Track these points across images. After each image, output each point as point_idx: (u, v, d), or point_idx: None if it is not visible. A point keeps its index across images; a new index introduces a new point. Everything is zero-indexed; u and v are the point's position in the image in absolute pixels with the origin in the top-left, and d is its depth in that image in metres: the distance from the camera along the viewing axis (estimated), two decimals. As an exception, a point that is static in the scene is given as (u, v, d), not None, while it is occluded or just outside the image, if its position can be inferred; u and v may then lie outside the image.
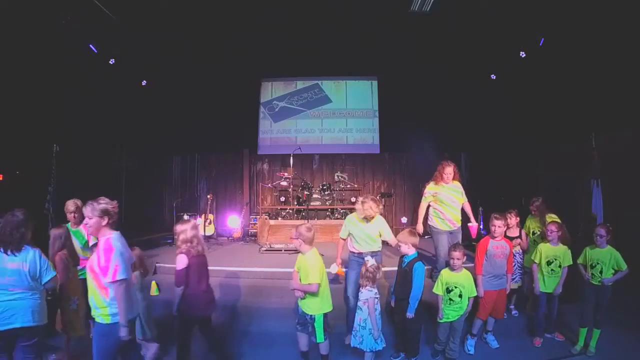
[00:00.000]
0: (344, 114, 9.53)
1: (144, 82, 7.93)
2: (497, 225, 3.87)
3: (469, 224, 4.85)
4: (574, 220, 5.39)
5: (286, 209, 8.47)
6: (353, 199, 8.93)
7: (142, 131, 7.97)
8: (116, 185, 7.86)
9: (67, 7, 5.46)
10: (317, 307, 3.27)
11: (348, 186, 9.02)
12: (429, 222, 4.92)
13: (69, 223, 4.03)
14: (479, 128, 8.28)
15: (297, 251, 6.26)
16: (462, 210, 4.90)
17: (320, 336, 3.30)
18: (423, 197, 4.96)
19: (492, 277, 3.84)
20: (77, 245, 3.88)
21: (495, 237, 3.90)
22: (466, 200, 4.91)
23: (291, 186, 8.31)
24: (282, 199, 8.82)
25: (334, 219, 8.36)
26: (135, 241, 6.41)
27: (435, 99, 8.46)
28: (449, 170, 4.83)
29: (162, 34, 6.80)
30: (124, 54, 6.90)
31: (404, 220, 8.53)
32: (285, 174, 8.28)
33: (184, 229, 3.42)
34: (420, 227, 4.80)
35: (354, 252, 3.96)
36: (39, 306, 2.75)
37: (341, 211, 8.53)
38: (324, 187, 8.58)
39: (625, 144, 5.26)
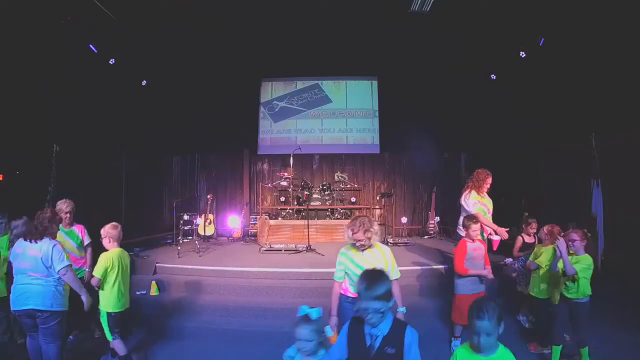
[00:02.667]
0: (344, 114, 9.53)
1: (144, 82, 7.93)
2: (474, 228, 3.76)
3: (492, 237, 4.46)
4: (574, 220, 5.40)
5: (286, 209, 8.47)
6: (353, 199, 8.94)
7: (142, 131, 7.97)
8: (116, 185, 7.86)
9: (67, 7, 5.47)
10: (103, 302, 3.32)
11: (348, 186, 9.02)
12: (460, 233, 4.33)
13: (61, 223, 4.00)
14: (479, 128, 8.28)
15: (297, 251, 6.34)
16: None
17: (107, 333, 3.33)
18: (474, 208, 4.34)
19: (471, 280, 3.71)
20: (72, 245, 3.96)
21: (473, 240, 3.80)
22: None
23: (291, 186, 8.31)
24: (282, 199, 8.83)
25: (334, 219, 8.37)
26: (135, 241, 6.45)
27: (435, 99, 8.46)
28: (490, 180, 4.48)
29: (162, 33, 6.80)
30: (124, 54, 6.91)
31: (404, 220, 8.52)
32: (285, 174, 8.28)
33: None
34: (503, 232, 4.36)
35: (347, 296, 2.85)
36: (52, 293, 3.04)
37: (341, 211, 8.53)
38: (324, 187, 8.59)
39: (625, 144, 5.26)
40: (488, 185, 4.48)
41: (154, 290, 4.86)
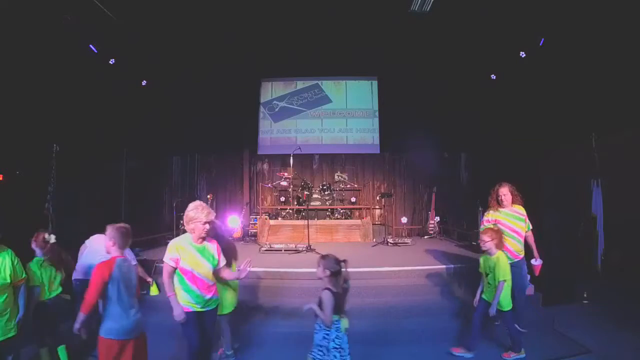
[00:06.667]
0: (344, 114, 9.53)
1: (144, 82, 7.93)
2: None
3: (533, 261, 4.05)
4: (574, 220, 5.40)
5: (286, 209, 8.47)
6: (353, 199, 8.94)
7: (142, 131, 7.97)
8: (116, 185, 7.86)
9: (67, 7, 5.47)
10: None
11: (348, 186, 9.02)
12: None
13: (190, 237, 2.89)
14: (479, 128, 8.28)
15: (297, 251, 6.34)
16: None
17: None
18: (480, 227, 4.24)
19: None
20: (207, 268, 2.91)
21: None
22: (531, 229, 4.11)
23: (291, 186, 8.31)
24: (282, 199, 8.83)
25: (334, 219, 8.37)
26: (135, 241, 6.44)
27: (435, 99, 8.45)
28: (504, 190, 4.11)
29: (163, 33, 6.80)
30: (124, 54, 6.90)
31: (404, 220, 8.52)
32: (285, 174, 8.29)
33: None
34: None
35: None
36: None
37: (341, 211, 8.53)
38: (324, 187, 8.59)
39: (625, 144, 5.26)
40: (502, 197, 4.09)
41: (154, 291, 4.85)
